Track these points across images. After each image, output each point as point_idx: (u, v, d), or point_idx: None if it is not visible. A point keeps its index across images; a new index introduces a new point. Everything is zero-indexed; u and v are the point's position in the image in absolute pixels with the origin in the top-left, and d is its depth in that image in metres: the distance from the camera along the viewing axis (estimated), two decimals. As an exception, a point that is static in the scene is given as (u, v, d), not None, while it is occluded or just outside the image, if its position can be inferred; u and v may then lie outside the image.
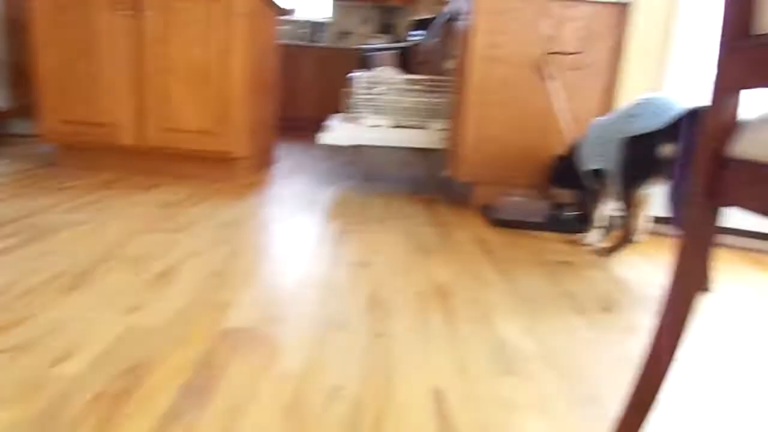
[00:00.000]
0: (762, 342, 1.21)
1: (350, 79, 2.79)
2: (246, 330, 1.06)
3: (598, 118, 1.92)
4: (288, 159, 3.48)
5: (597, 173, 1.85)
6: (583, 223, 1.99)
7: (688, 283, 0.75)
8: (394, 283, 1.39)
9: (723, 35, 0.67)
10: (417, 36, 4.91)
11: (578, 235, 1.97)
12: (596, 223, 1.91)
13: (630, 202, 1.69)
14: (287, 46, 5.65)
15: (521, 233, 2.00)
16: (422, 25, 4.86)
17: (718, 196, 0.69)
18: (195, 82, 2.36)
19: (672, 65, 2.07)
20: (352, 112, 2.67)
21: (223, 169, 2.53)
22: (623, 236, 1.74)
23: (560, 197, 2.10)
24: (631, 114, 1.68)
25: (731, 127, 0.70)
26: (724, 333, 1.24)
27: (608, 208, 1.91)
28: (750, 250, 2.01)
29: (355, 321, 1.14)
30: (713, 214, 0.73)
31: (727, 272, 1.72)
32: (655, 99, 1.64)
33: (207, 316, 1.10)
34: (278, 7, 3.01)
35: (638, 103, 1.68)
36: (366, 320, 1.14)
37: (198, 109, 2.38)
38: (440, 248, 1.73)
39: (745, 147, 0.65)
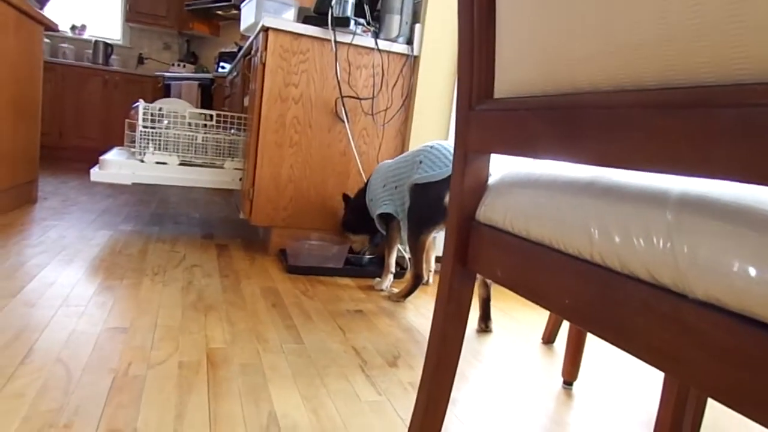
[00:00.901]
0: (532, 379, 1.27)
1: (134, 108, 2.48)
2: None
3: (383, 162, 1.95)
4: (58, 195, 2.95)
5: (387, 217, 1.86)
6: (379, 267, 1.98)
7: (447, 342, 0.71)
8: (157, 352, 1.17)
9: (462, 98, 0.65)
10: (225, 68, 4.69)
11: (375, 280, 1.95)
12: (389, 268, 1.91)
13: (419, 247, 1.71)
14: (71, 66, 4.95)
15: (318, 280, 1.92)
16: (230, 57, 4.66)
17: (467, 260, 0.66)
18: None
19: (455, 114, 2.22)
20: (135, 146, 2.35)
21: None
22: (413, 280, 1.76)
23: (354, 242, 2.08)
24: (417, 160, 1.72)
25: (479, 190, 0.68)
26: (500, 373, 1.28)
27: (399, 252, 1.93)
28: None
29: (88, 413, 0.90)
30: (466, 277, 0.70)
31: (504, 310, 1.84)
32: (440, 147, 1.70)
33: None
34: (44, 20, 2.58)
35: (424, 150, 1.73)
36: (106, 410, 0.92)
37: None
38: (223, 303, 1.54)
39: (486, 211, 0.62)
